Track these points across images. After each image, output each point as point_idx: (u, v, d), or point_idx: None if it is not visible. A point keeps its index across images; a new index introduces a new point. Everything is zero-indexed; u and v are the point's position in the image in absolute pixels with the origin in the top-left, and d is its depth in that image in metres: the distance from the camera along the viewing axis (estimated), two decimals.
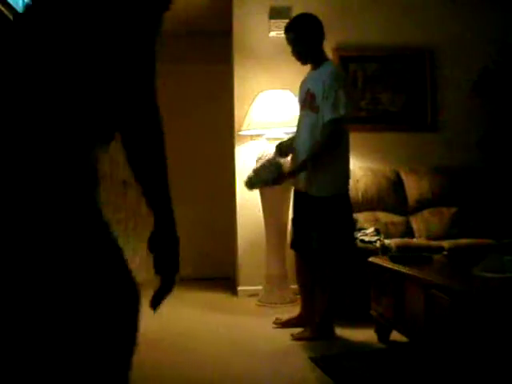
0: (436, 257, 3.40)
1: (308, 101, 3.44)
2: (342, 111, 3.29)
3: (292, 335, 3.45)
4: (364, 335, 3.42)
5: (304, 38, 3.47)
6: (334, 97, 3.29)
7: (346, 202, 3.51)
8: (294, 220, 3.73)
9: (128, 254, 5.31)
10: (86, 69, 1.21)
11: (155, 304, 1.38)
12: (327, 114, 3.30)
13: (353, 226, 3.70)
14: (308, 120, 3.44)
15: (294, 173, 3.53)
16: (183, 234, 4.45)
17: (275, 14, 4.94)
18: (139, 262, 6.56)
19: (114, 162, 5.95)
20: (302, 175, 3.46)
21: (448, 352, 2.39)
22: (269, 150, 4.55)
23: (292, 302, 4.51)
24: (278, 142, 3.83)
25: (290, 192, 4.59)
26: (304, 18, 3.51)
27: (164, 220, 1.38)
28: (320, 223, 3.44)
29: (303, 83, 3.63)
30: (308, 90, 3.46)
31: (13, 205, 1.22)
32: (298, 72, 4.95)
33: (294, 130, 4.60)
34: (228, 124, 5.17)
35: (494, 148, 4.92)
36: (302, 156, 3.44)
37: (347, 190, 3.54)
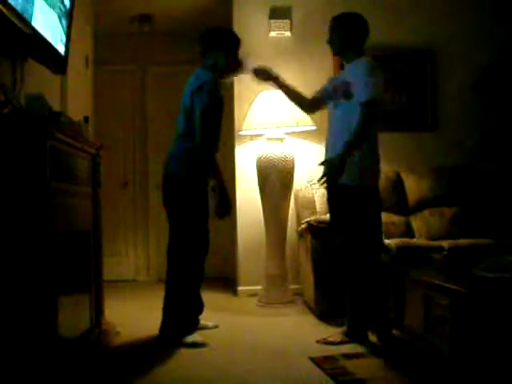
0: (436, 257, 3.40)
1: (341, 90, 3.36)
2: (372, 94, 3.22)
3: (318, 341, 3.34)
4: None
5: (342, 33, 3.43)
6: (366, 82, 3.24)
7: (374, 197, 3.34)
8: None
9: (128, 253, 5.32)
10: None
11: (219, 214, 3.55)
12: (362, 97, 3.23)
13: (378, 225, 3.38)
14: (341, 107, 3.35)
15: (344, 156, 3.24)
16: None
17: (275, 13, 4.94)
18: (139, 262, 6.58)
19: (114, 164, 5.96)
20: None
21: (448, 352, 2.39)
22: (269, 150, 4.55)
23: (292, 302, 4.51)
24: None
25: (290, 191, 4.60)
26: (352, 16, 3.47)
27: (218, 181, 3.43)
28: (346, 214, 3.33)
29: (334, 78, 3.59)
30: (343, 80, 3.41)
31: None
32: (298, 72, 4.98)
33: (291, 130, 4.63)
34: (228, 124, 5.17)
35: (495, 148, 4.93)
36: (338, 144, 3.30)
37: (376, 183, 3.37)
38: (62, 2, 3.24)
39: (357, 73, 3.31)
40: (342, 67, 4.88)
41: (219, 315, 4.06)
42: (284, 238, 4.60)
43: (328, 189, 3.52)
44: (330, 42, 3.53)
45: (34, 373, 2.29)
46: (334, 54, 3.59)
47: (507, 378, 2.21)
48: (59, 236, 2.56)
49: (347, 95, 3.32)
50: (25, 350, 2.30)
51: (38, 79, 3.18)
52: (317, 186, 4.60)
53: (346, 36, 3.42)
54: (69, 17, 3.36)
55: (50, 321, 2.40)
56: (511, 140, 4.90)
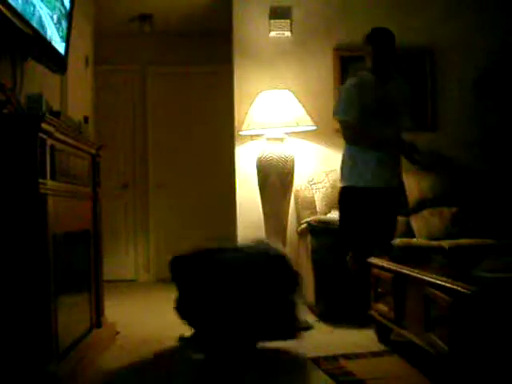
0: (436, 257, 3.40)
1: (395, 108, 3.50)
2: None
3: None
4: (364, 335, 3.42)
5: (388, 49, 3.50)
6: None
7: None
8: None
9: (128, 253, 5.32)
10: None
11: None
12: (409, 122, 3.64)
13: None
14: (393, 125, 3.54)
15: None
16: (183, 234, 4.48)
17: (275, 13, 4.93)
18: (139, 262, 6.58)
19: (114, 164, 5.97)
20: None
21: (448, 351, 2.39)
22: (269, 150, 4.55)
23: None
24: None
25: (290, 191, 4.59)
26: (390, 31, 3.52)
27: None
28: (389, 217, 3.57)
29: (378, 91, 3.52)
30: (393, 98, 3.45)
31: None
32: (298, 72, 4.98)
33: (291, 130, 4.62)
34: (228, 124, 5.17)
35: (495, 148, 4.93)
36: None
37: None
38: (62, 4, 3.25)
39: (409, 96, 3.61)
40: (342, 68, 4.94)
41: None
42: (284, 238, 4.59)
43: (371, 193, 3.51)
44: (376, 58, 3.49)
45: (34, 374, 2.30)
46: (374, 72, 3.52)
47: (507, 378, 2.21)
48: (59, 236, 2.56)
49: (396, 115, 3.51)
50: (24, 351, 2.30)
51: (38, 79, 3.19)
52: (317, 185, 4.61)
53: (392, 51, 3.44)
54: (69, 18, 3.36)
55: (49, 321, 2.40)
56: (511, 140, 4.90)
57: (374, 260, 3.43)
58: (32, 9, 2.78)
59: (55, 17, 3.15)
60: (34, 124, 2.32)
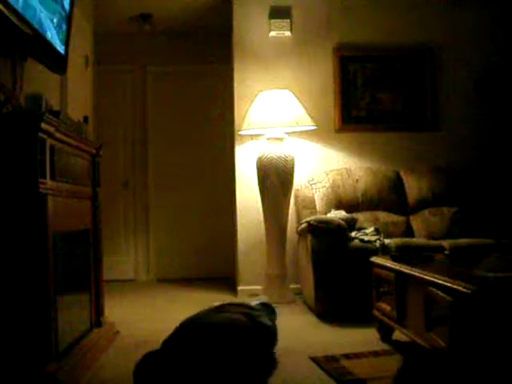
0: (437, 256, 3.40)
1: None
2: None
3: None
4: (366, 335, 3.42)
5: None
6: None
7: None
8: None
9: (128, 253, 5.32)
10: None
11: None
12: None
13: None
14: None
15: None
16: (183, 233, 4.50)
17: (275, 14, 4.94)
18: (139, 262, 6.59)
19: (114, 164, 5.97)
20: None
21: (448, 351, 2.39)
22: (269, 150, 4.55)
23: (292, 302, 4.51)
24: None
25: (290, 191, 4.59)
26: None
27: None
28: None
29: None
30: None
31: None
32: (298, 72, 4.98)
33: (291, 130, 4.63)
34: (228, 124, 5.17)
35: (495, 148, 4.93)
36: None
37: None
38: (62, 7, 3.25)
39: None
40: (342, 68, 4.95)
41: None
42: (284, 238, 4.59)
43: None
44: None
45: (33, 374, 2.29)
46: None
47: (507, 378, 2.21)
48: (58, 236, 2.56)
49: None
50: (23, 351, 2.30)
51: (38, 79, 3.18)
52: (317, 185, 4.61)
53: None
54: (68, 19, 3.36)
55: (49, 321, 2.40)
56: (511, 140, 4.90)
57: (376, 259, 3.43)
58: (32, 12, 2.78)
59: (55, 20, 3.15)
60: (34, 124, 2.32)
